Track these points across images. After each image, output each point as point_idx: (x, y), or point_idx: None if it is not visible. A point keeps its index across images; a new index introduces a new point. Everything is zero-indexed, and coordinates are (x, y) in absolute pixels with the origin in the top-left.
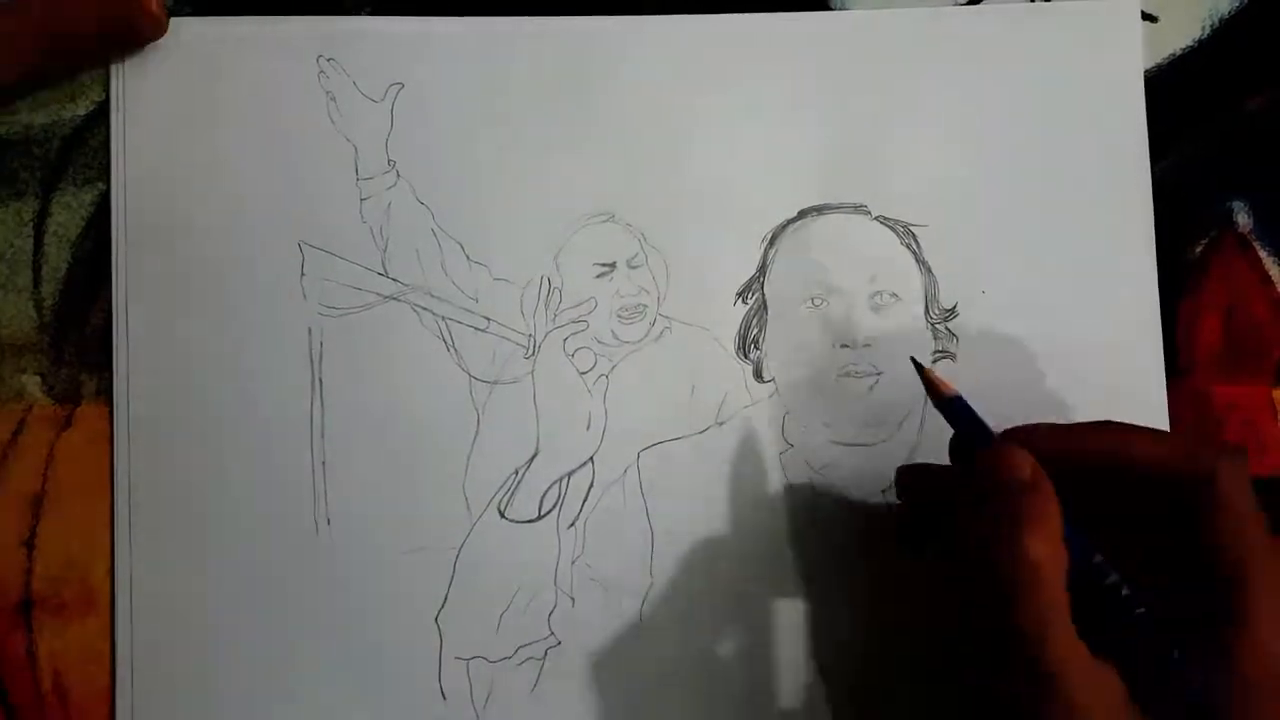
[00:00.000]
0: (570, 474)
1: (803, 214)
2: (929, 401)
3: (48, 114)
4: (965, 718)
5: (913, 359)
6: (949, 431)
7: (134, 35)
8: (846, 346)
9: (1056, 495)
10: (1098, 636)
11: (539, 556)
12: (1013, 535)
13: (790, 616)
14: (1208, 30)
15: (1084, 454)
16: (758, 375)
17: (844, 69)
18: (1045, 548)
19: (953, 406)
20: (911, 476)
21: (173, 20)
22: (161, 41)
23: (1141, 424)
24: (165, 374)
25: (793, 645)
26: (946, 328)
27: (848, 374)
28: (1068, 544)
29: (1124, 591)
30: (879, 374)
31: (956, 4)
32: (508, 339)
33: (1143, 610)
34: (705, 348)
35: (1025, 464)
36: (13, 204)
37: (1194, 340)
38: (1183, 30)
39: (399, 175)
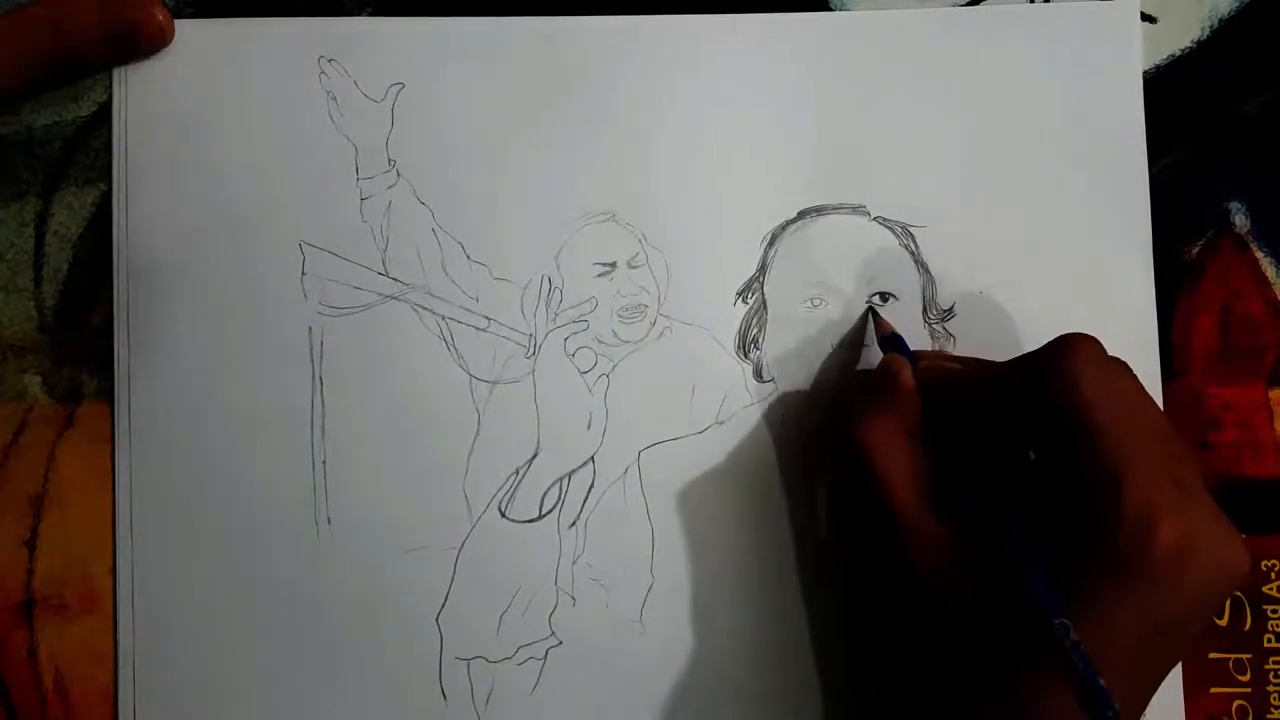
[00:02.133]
0: (571, 473)
1: (802, 214)
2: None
3: (50, 114)
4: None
5: (869, 305)
6: None
7: (140, 45)
8: (846, 346)
9: (919, 401)
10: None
11: (540, 556)
12: (850, 417)
13: (791, 616)
14: (1207, 31)
15: (963, 380)
16: (758, 375)
17: (844, 69)
18: (875, 429)
19: (894, 342)
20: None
21: (173, 21)
22: None
23: None
24: (166, 374)
25: (794, 645)
26: (944, 328)
27: (847, 374)
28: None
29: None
30: None
31: (956, 4)
32: (508, 338)
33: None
34: (705, 347)
35: (889, 368)
36: (14, 204)
37: (1190, 341)
38: (1182, 31)
39: (399, 175)
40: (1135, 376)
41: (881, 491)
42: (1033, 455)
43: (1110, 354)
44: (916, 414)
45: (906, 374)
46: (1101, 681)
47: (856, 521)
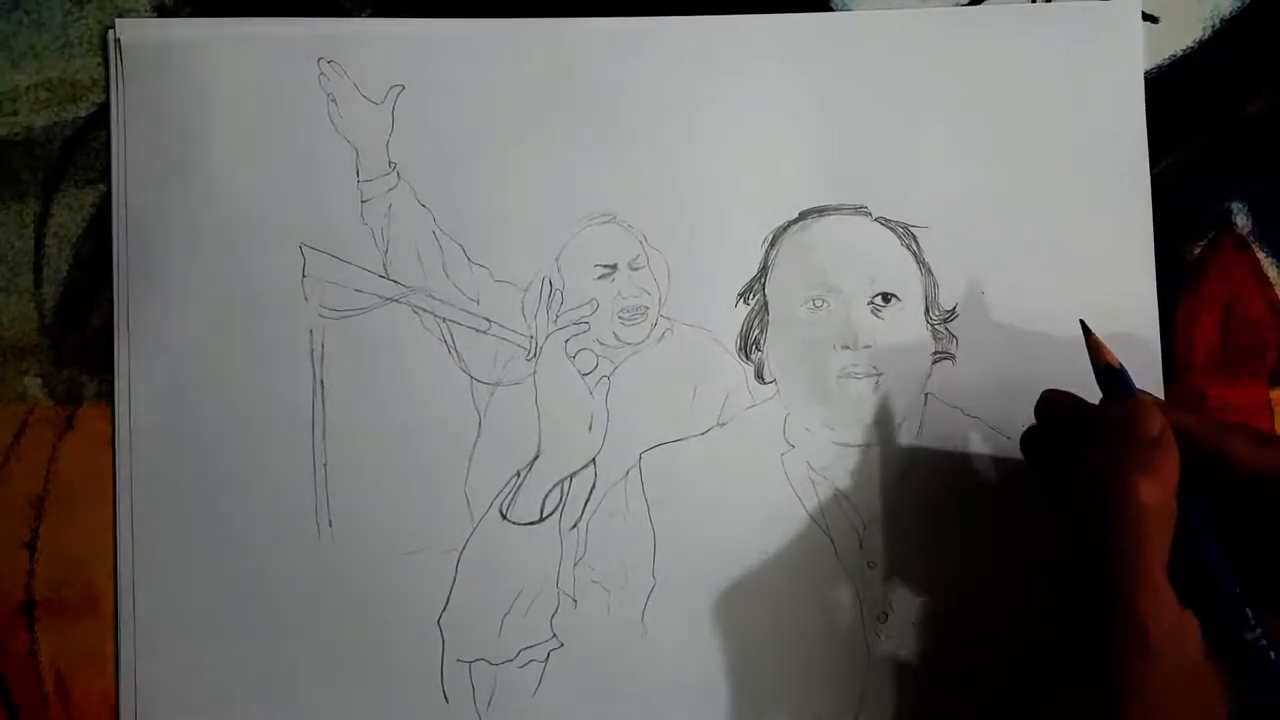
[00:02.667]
0: (572, 475)
1: (803, 215)
2: (928, 402)
3: (49, 115)
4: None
5: (1081, 322)
6: (949, 432)
7: None
8: (847, 348)
9: (1178, 462)
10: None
11: (541, 558)
12: (1130, 475)
13: (793, 617)
14: (1208, 31)
15: (1196, 436)
16: (759, 376)
17: (845, 70)
18: (1158, 493)
19: (1121, 379)
20: (1057, 397)
21: (173, 21)
22: (162, 43)
23: None
24: (166, 375)
25: (796, 646)
26: (947, 328)
27: (849, 375)
28: (1179, 506)
29: (1225, 574)
30: (879, 375)
31: (958, 4)
32: (509, 341)
33: (1238, 590)
34: (707, 349)
35: (1158, 421)
36: (14, 205)
37: (1192, 341)
38: (1183, 31)
39: (400, 177)
40: None
41: (1142, 565)
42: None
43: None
44: (1176, 474)
45: (1169, 431)
46: None
47: (1086, 570)
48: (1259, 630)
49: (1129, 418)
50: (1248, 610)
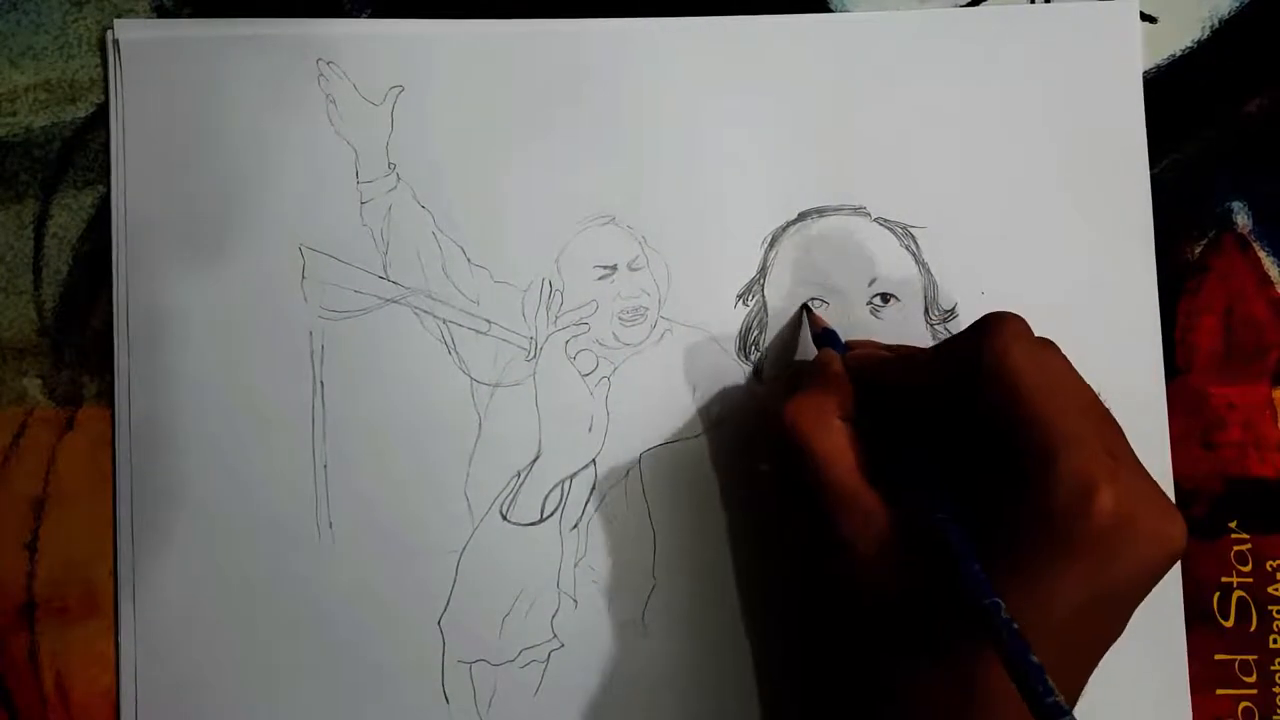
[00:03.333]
0: (572, 476)
1: (803, 216)
2: None
3: (48, 116)
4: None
5: (805, 305)
6: None
7: None
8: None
9: (849, 386)
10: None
11: (541, 559)
12: (782, 404)
13: (794, 617)
14: (1207, 31)
15: (893, 366)
16: (759, 376)
17: (844, 70)
18: (806, 412)
19: (827, 338)
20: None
21: (172, 21)
22: (162, 43)
23: (1140, 424)
24: (166, 377)
25: (797, 646)
26: (946, 329)
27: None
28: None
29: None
30: None
31: (956, 4)
32: (509, 342)
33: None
34: (706, 349)
35: (822, 359)
36: (13, 206)
37: (1193, 340)
38: (1182, 31)
39: (399, 178)
40: (1063, 354)
41: (815, 465)
42: (965, 438)
43: (1039, 335)
44: (847, 398)
45: (836, 362)
46: (1033, 656)
47: (795, 499)
48: (996, 600)
49: (807, 364)
50: (983, 575)
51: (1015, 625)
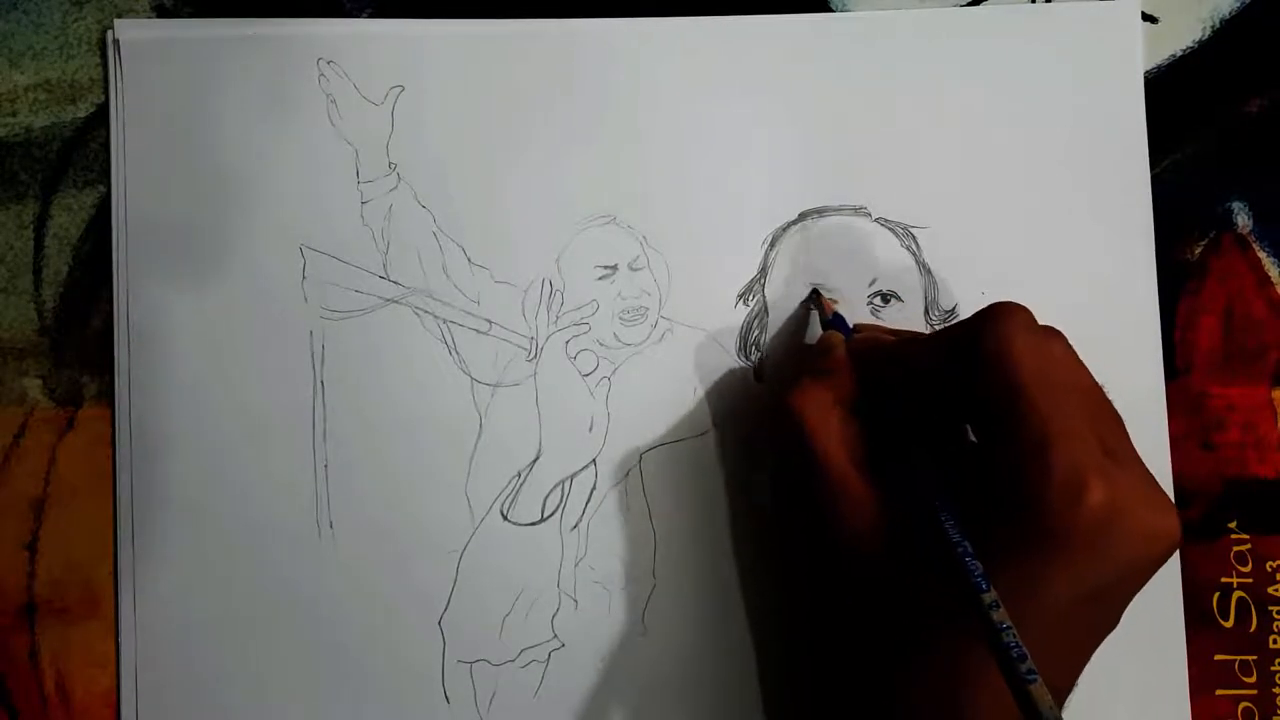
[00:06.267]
0: (573, 476)
1: (803, 216)
2: None
3: (48, 116)
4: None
5: (814, 290)
6: None
7: None
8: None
9: (852, 372)
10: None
11: (542, 559)
12: (787, 391)
13: (794, 618)
14: (1208, 31)
15: (896, 350)
16: (759, 376)
17: (844, 70)
18: (811, 398)
19: (835, 322)
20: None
21: (172, 21)
22: (162, 43)
23: (1140, 424)
24: (167, 377)
25: (797, 647)
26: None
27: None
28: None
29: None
30: None
31: (957, 4)
32: (509, 342)
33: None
34: (707, 349)
35: (827, 343)
36: (13, 206)
37: (1193, 341)
38: (1183, 31)
39: (400, 178)
40: (1069, 344)
41: (812, 451)
42: (968, 427)
43: (1044, 324)
44: (849, 384)
45: (840, 347)
46: (1028, 664)
47: (792, 489)
48: (989, 593)
49: (812, 348)
50: (977, 566)
51: (1009, 624)
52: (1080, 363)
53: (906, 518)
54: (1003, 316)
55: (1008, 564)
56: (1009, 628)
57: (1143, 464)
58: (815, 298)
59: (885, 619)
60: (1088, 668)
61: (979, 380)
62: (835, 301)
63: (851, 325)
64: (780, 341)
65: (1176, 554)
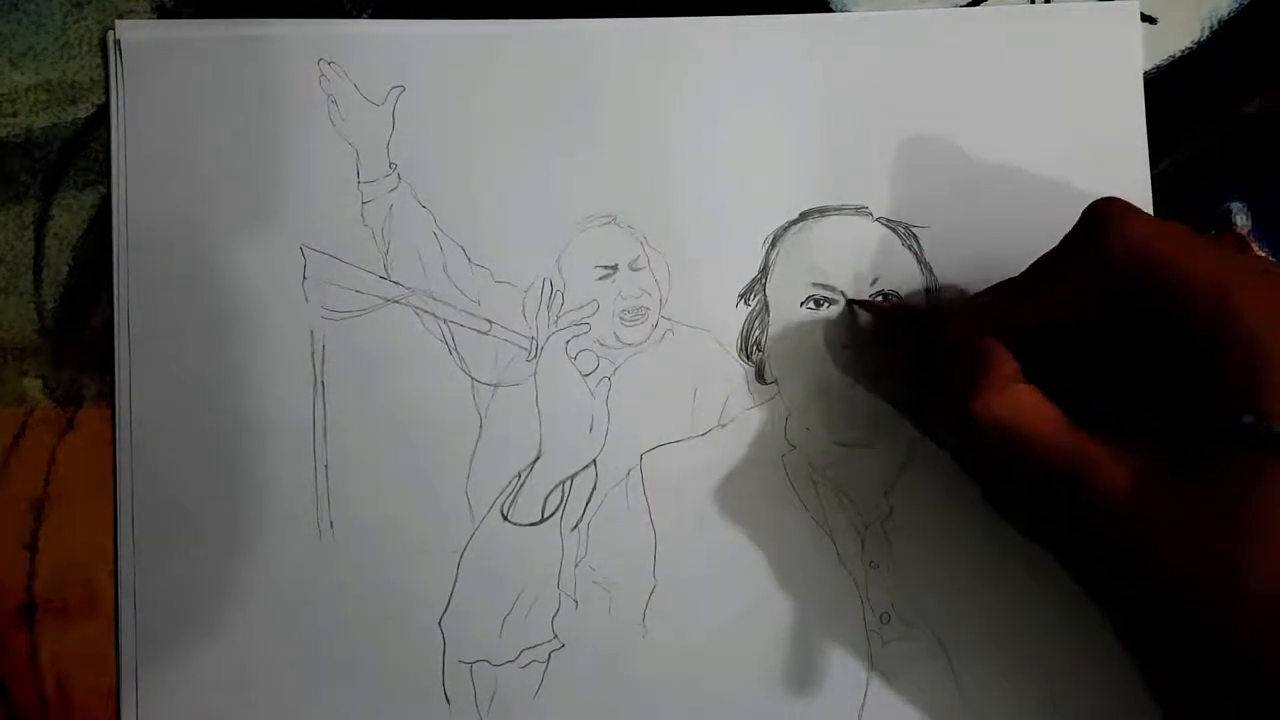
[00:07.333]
0: (573, 476)
1: (804, 215)
2: None
3: (48, 116)
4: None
5: (849, 300)
6: None
7: None
8: (848, 348)
9: (1001, 348)
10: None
11: (542, 559)
12: (968, 398)
13: (794, 618)
14: (1207, 31)
15: (1018, 309)
16: (760, 377)
17: (844, 70)
18: (993, 403)
19: (906, 311)
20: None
21: (173, 22)
22: (162, 43)
23: None
24: (167, 377)
25: (797, 646)
26: None
27: (850, 375)
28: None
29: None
30: (881, 375)
31: (957, 4)
32: (510, 342)
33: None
34: (707, 349)
35: (963, 337)
36: (13, 207)
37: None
38: (1182, 31)
39: (400, 178)
40: (1151, 216)
41: (1039, 449)
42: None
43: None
44: (1009, 360)
45: (965, 332)
46: None
47: (1029, 496)
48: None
49: (947, 343)
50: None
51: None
52: (1172, 221)
53: (1156, 435)
54: (1111, 215)
55: (1261, 409)
56: None
57: None
58: (861, 307)
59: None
60: None
61: (1123, 282)
62: (895, 293)
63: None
64: (781, 341)
65: None
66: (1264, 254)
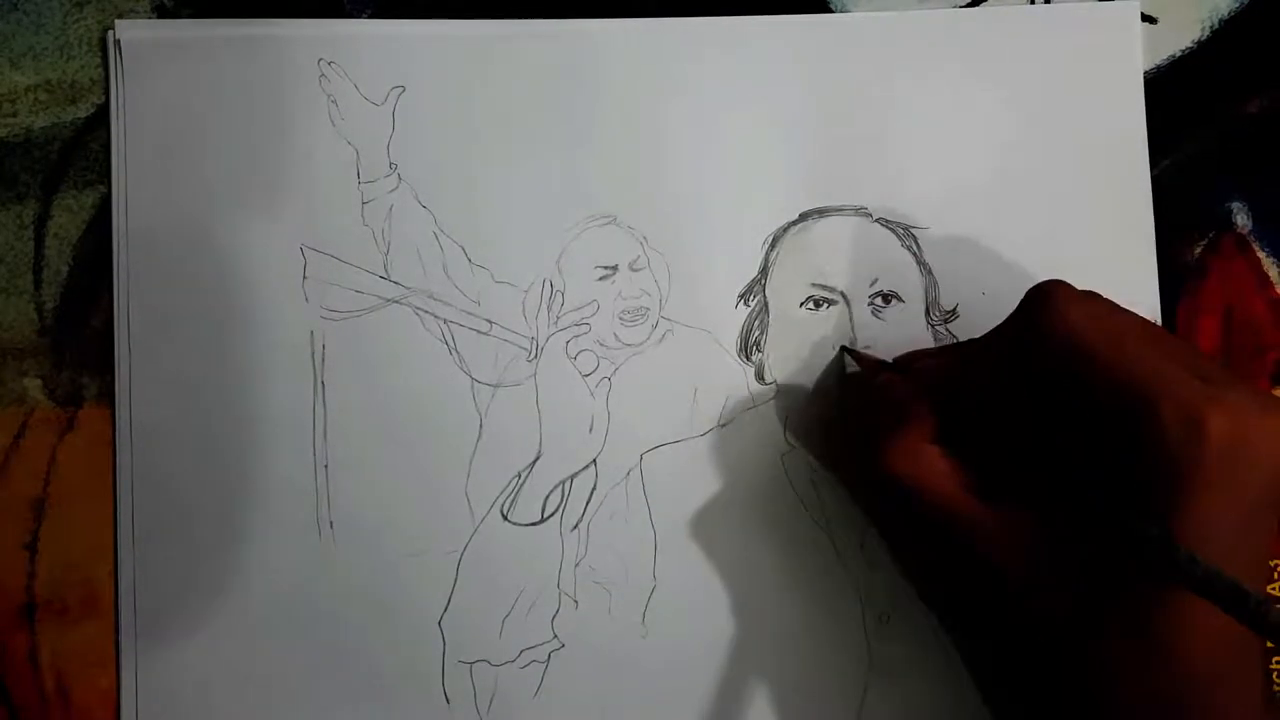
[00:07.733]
0: (573, 476)
1: (804, 216)
2: None
3: (48, 116)
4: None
5: (843, 348)
6: None
7: None
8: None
9: (927, 409)
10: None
11: (542, 559)
12: (877, 449)
13: (794, 618)
14: (1207, 31)
15: (951, 370)
16: (759, 377)
17: (844, 71)
18: (901, 454)
19: (878, 368)
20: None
21: (173, 22)
22: (162, 43)
23: None
24: (167, 377)
25: (797, 647)
26: (948, 329)
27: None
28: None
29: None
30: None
31: (957, 4)
32: (510, 342)
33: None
34: (707, 350)
35: (891, 386)
36: (13, 207)
37: (1193, 341)
38: (1182, 31)
39: (400, 179)
40: (1108, 300)
41: (933, 508)
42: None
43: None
44: (929, 417)
45: (899, 386)
46: (1236, 579)
47: (919, 546)
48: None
49: (874, 391)
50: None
51: (1216, 568)
52: (1128, 311)
53: (1052, 518)
54: (1048, 299)
55: (1164, 518)
56: (1218, 571)
57: (1230, 372)
58: (849, 355)
59: (1079, 615)
60: None
61: (1051, 368)
62: (869, 348)
63: (893, 360)
64: (781, 342)
65: None
66: (1263, 255)
